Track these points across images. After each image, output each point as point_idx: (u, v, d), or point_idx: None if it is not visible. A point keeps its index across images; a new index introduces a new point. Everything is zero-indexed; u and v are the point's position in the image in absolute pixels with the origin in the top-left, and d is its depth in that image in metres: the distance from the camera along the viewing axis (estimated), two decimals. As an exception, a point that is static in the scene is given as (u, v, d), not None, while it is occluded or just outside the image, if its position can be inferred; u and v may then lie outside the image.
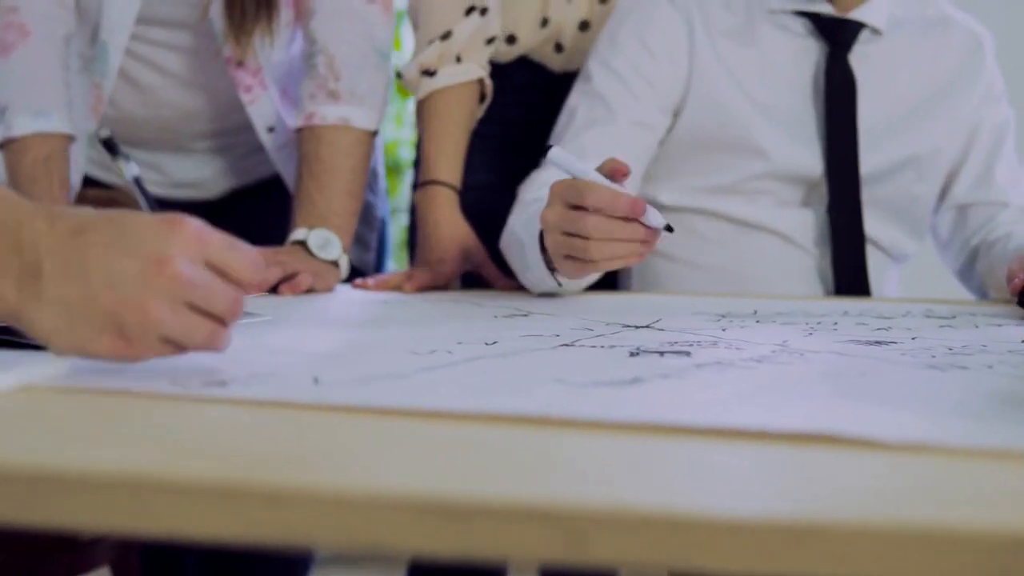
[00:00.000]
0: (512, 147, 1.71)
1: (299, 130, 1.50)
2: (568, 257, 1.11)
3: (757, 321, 1.08)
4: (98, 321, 0.63)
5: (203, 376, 0.67)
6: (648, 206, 1.05)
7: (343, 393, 0.63)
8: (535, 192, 1.42)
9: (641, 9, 1.54)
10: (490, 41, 1.58)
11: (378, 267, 1.82)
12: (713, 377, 0.71)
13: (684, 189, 1.56)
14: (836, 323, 1.08)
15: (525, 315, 1.12)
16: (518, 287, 1.51)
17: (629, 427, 0.54)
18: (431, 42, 1.54)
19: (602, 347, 0.86)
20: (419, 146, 1.77)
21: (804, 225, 1.53)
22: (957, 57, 1.57)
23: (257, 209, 1.72)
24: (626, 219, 1.05)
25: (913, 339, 0.95)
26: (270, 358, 0.77)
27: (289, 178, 1.63)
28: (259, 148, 1.69)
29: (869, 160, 1.51)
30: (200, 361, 0.71)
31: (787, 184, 1.52)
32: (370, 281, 1.49)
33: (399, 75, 1.58)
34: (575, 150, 1.47)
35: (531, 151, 1.65)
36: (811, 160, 1.50)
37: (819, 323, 1.07)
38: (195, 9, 1.48)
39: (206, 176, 1.69)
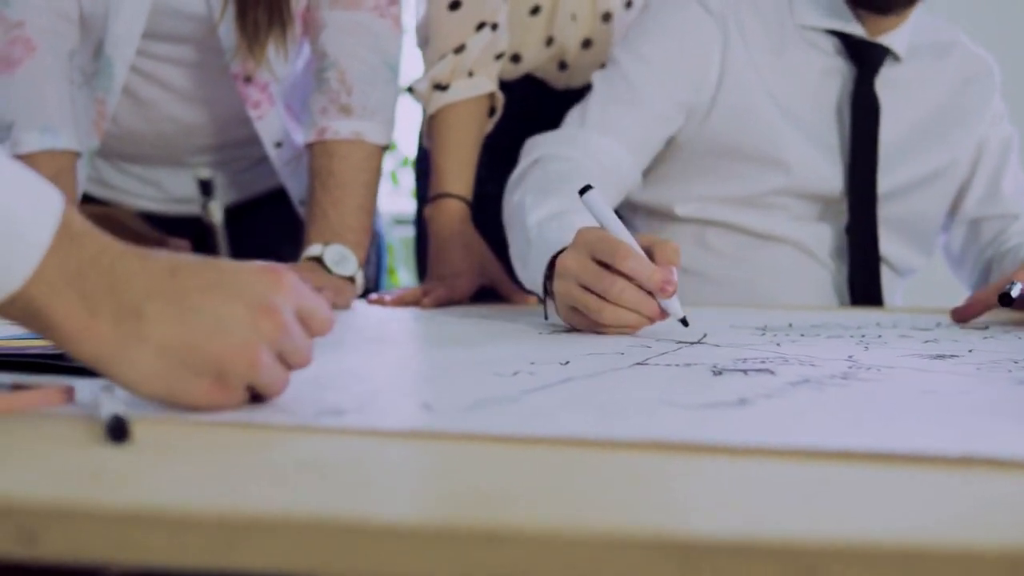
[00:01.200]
0: (505, 158, 1.70)
1: (310, 145, 1.48)
2: (575, 310, 1.06)
3: (801, 335, 1.09)
4: (200, 366, 0.61)
5: (312, 405, 0.66)
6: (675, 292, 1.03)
7: (470, 420, 0.62)
8: (559, 174, 1.37)
9: (676, 9, 1.55)
10: (499, 57, 1.58)
11: (376, 280, 1.81)
12: (815, 396, 0.71)
13: (699, 199, 1.56)
14: (880, 335, 1.08)
15: (568, 331, 1.11)
16: (535, 301, 1.51)
17: (786, 453, 0.54)
18: (443, 56, 1.54)
19: (676, 365, 0.86)
20: (418, 160, 1.77)
21: (820, 239, 1.54)
22: (967, 81, 1.61)
23: (255, 224, 1.71)
24: (649, 292, 1.02)
25: (970, 351, 0.96)
26: (359, 383, 0.76)
27: (295, 193, 1.61)
28: (257, 163, 1.68)
29: (884, 180, 1.53)
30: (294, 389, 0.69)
31: (804, 200, 1.53)
32: (387, 297, 1.47)
33: (410, 90, 1.57)
34: (599, 117, 1.49)
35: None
36: (832, 178, 1.52)
37: (863, 335, 1.08)
38: (202, 24, 1.46)
39: (205, 192, 1.66)
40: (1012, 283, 1.15)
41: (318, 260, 1.42)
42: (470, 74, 1.56)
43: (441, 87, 1.55)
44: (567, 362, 0.87)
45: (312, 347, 0.67)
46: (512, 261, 1.33)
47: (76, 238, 0.61)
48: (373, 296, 1.49)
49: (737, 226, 1.56)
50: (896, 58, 1.57)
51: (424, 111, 1.59)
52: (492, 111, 1.61)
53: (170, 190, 1.64)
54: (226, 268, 0.63)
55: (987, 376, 0.81)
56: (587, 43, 1.70)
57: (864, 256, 1.53)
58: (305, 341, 0.66)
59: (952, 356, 0.92)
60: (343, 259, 1.43)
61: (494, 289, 1.55)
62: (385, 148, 1.52)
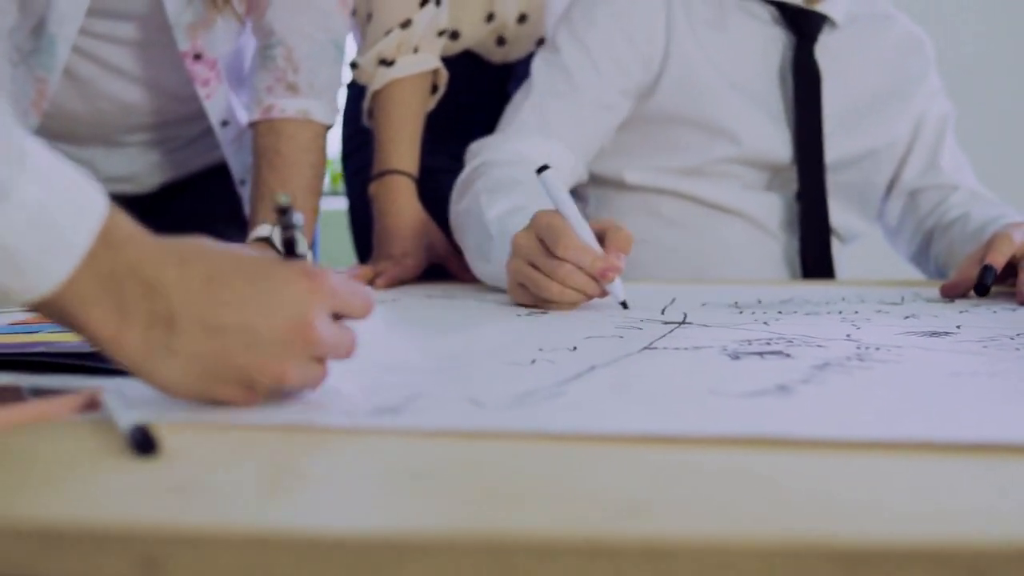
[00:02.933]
0: (452, 132, 1.68)
1: (255, 123, 1.44)
2: (522, 285, 1.10)
3: (779, 312, 1.10)
4: (230, 377, 0.60)
5: (363, 403, 0.64)
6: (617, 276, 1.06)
7: (534, 416, 0.61)
8: (503, 172, 1.38)
9: None
10: (441, 33, 1.56)
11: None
12: (849, 381, 0.72)
13: (650, 169, 1.56)
14: (857, 311, 1.10)
15: (544, 312, 1.10)
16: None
17: (889, 446, 0.54)
18: (388, 32, 1.51)
19: (685, 349, 0.86)
20: (346, 138, 1.74)
21: (770, 209, 1.56)
22: (904, 55, 1.64)
23: (192, 203, 1.66)
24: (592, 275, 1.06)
25: (958, 327, 0.98)
26: (391, 376, 0.74)
27: (237, 172, 1.57)
28: (192, 141, 1.63)
29: (831, 149, 1.55)
30: (331, 387, 0.67)
31: (754, 168, 1.55)
32: (337, 278, 1.44)
33: (354, 65, 1.54)
34: (538, 119, 1.49)
35: (470, 136, 1.63)
36: (780, 146, 1.54)
37: (840, 312, 1.09)
38: (147, 0, 1.41)
39: (138, 170, 1.61)
40: (986, 269, 1.17)
41: (266, 240, 1.39)
42: (415, 50, 1.53)
43: (387, 63, 1.52)
44: (575, 348, 0.86)
45: (354, 338, 0.66)
46: (470, 260, 1.33)
47: (116, 244, 0.59)
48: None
49: (687, 195, 1.56)
50: (834, 25, 1.58)
51: (367, 87, 1.56)
52: (434, 88, 1.58)
53: (104, 169, 1.58)
54: (263, 276, 0.61)
55: (999, 354, 0.82)
56: (523, 18, 1.68)
57: (815, 225, 1.55)
58: (345, 338, 0.65)
59: (947, 333, 0.94)
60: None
61: (442, 266, 1.53)
62: (329, 128, 1.48)
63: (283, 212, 0.63)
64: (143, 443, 0.52)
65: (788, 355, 0.81)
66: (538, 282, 1.07)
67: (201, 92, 1.47)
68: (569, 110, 1.50)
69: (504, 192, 1.29)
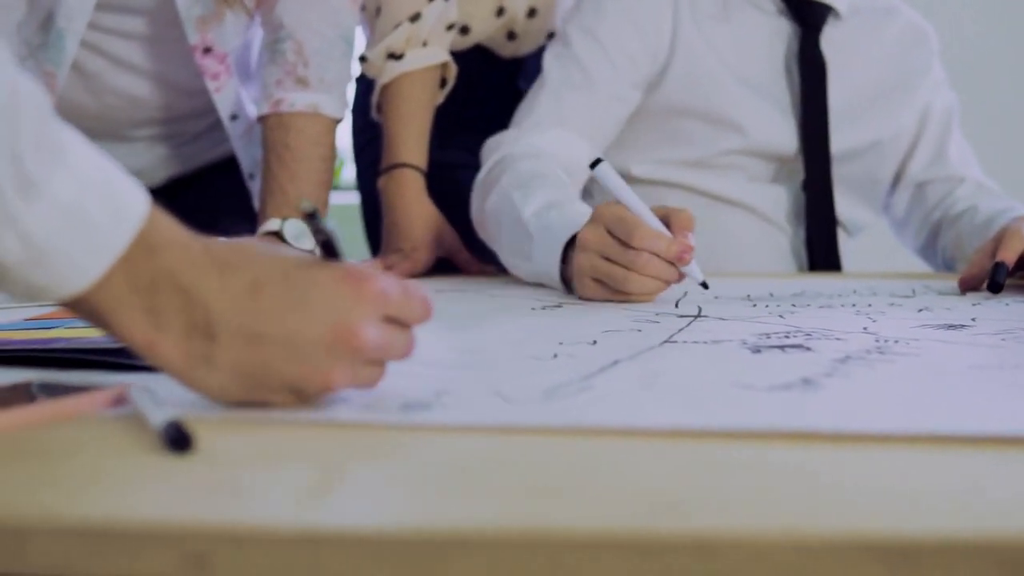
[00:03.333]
0: (462, 127, 1.68)
1: (264, 117, 1.44)
2: (597, 281, 1.10)
3: (793, 305, 1.10)
4: (275, 386, 0.59)
5: (392, 399, 0.64)
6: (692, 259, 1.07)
7: (565, 411, 0.61)
8: (523, 165, 1.38)
9: None
10: (450, 27, 1.56)
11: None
12: (872, 374, 0.72)
13: (656, 161, 1.57)
14: (870, 304, 1.10)
15: (559, 306, 1.11)
16: (492, 272, 1.50)
17: (926, 440, 0.54)
18: (398, 25, 1.51)
19: (705, 343, 0.86)
20: (355, 132, 1.74)
21: (776, 202, 1.56)
22: (908, 47, 1.64)
23: (199, 197, 1.66)
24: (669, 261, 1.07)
25: (973, 320, 0.98)
26: (414, 372, 0.74)
27: (246, 165, 1.57)
28: (200, 135, 1.63)
29: (837, 140, 1.55)
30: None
31: (760, 160, 1.55)
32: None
33: (363, 59, 1.54)
34: (555, 111, 1.49)
35: (480, 130, 1.63)
36: (786, 137, 1.54)
37: (855, 304, 1.09)
38: (158, -7, 1.40)
39: (145, 165, 1.61)
40: (998, 266, 1.17)
41: (277, 235, 1.39)
42: (424, 44, 1.53)
43: (395, 56, 1.52)
44: (594, 342, 0.86)
45: (411, 338, 0.64)
46: (505, 259, 1.33)
47: (154, 249, 0.57)
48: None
49: (694, 188, 1.57)
50: (837, 16, 1.58)
51: (376, 81, 1.56)
52: (443, 82, 1.58)
53: (110, 164, 1.58)
54: (308, 283, 0.60)
55: (1018, 347, 0.83)
56: (532, 12, 1.68)
57: (821, 216, 1.55)
58: (399, 342, 0.63)
59: (962, 326, 0.94)
60: (302, 234, 1.39)
61: (450, 259, 1.54)
62: (339, 122, 1.48)
63: (311, 217, 0.62)
64: (178, 440, 0.52)
65: (808, 348, 0.82)
66: (615, 275, 1.07)
67: (211, 86, 1.47)
68: (585, 102, 1.50)
69: (534, 188, 1.29)
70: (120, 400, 0.62)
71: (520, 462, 0.51)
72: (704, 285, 1.10)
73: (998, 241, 1.22)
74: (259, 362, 0.58)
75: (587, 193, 1.62)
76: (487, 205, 1.37)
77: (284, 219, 1.39)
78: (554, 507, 0.45)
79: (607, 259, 1.08)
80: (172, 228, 0.59)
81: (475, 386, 0.68)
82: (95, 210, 0.55)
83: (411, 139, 1.52)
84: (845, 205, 1.59)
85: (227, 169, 1.63)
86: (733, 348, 0.83)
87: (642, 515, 0.44)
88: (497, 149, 1.46)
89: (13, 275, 0.55)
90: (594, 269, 1.09)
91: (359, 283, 0.61)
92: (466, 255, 1.52)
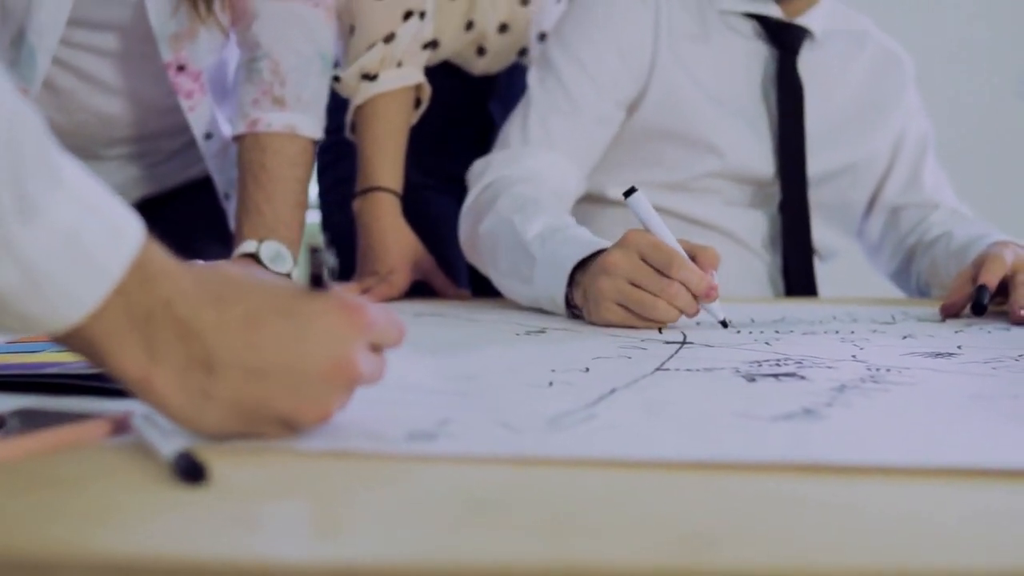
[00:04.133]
0: (433, 148, 1.67)
1: (240, 137, 1.43)
2: (620, 305, 1.11)
3: (776, 332, 1.10)
4: (270, 419, 0.58)
5: (394, 428, 0.63)
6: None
7: (575, 442, 0.60)
8: (513, 189, 1.38)
9: (610, 1, 1.54)
10: (426, 46, 1.55)
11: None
12: (870, 404, 0.72)
13: (635, 184, 1.56)
14: (852, 331, 1.10)
15: (542, 331, 1.11)
16: (468, 296, 1.49)
17: (942, 472, 0.54)
18: (371, 46, 1.50)
19: (698, 370, 0.86)
20: (321, 151, 1.73)
21: (753, 227, 1.57)
22: (882, 71, 1.65)
23: (174, 217, 1.64)
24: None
25: (959, 348, 0.98)
26: (411, 399, 0.73)
27: (221, 185, 1.55)
28: (174, 155, 1.62)
29: (813, 164, 1.56)
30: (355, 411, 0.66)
31: (737, 183, 1.55)
32: (324, 294, 1.43)
33: (336, 79, 1.53)
34: (543, 134, 1.49)
35: (451, 151, 1.63)
36: (763, 160, 1.55)
37: (837, 331, 1.10)
38: (130, 10, 1.39)
39: (117, 184, 1.59)
40: (981, 289, 1.18)
41: (253, 256, 1.38)
42: (399, 64, 1.52)
43: (370, 77, 1.51)
44: (587, 369, 0.86)
45: (385, 363, 0.64)
46: (500, 282, 1.33)
47: (151, 278, 0.56)
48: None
49: (670, 211, 1.57)
50: (813, 39, 1.60)
51: (348, 100, 1.55)
52: (418, 103, 1.58)
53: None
54: (304, 315, 0.59)
55: (1010, 376, 0.83)
56: (503, 27, 1.68)
57: (797, 241, 1.56)
58: (379, 368, 0.63)
59: (950, 354, 0.95)
60: (278, 256, 1.38)
61: (426, 282, 1.53)
62: (317, 142, 1.47)
63: (315, 251, 0.61)
64: (190, 471, 0.51)
65: (803, 377, 0.82)
66: (644, 302, 1.08)
67: (184, 104, 1.45)
68: (571, 127, 1.51)
69: (534, 211, 1.29)
70: (122, 428, 0.61)
71: (538, 494, 0.51)
72: (724, 324, 1.11)
73: (980, 266, 1.23)
74: (257, 396, 0.57)
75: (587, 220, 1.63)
76: (481, 228, 1.37)
77: (260, 240, 1.38)
78: (578, 540, 0.44)
79: (635, 285, 1.09)
80: (164, 257, 0.57)
81: (477, 414, 0.68)
82: (92, 236, 0.54)
83: (387, 162, 1.52)
84: (820, 229, 1.60)
85: (201, 189, 1.62)
86: (727, 376, 0.83)
87: (672, 549, 0.43)
88: (486, 172, 1.46)
89: (9, 306, 0.53)
90: (620, 293, 1.10)
91: (352, 313, 0.60)
92: (443, 278, 1.52)
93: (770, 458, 0.56)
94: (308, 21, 1.44)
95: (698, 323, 1.15)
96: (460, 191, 1.71)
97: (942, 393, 0.76)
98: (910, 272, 1.62)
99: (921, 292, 1.59)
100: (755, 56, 1.59)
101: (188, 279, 0.58)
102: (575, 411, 0.69)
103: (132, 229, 0.56)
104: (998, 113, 3.06)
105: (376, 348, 0.63)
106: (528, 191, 1.36)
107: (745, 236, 1.58)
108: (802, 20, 1.59)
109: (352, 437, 0.61)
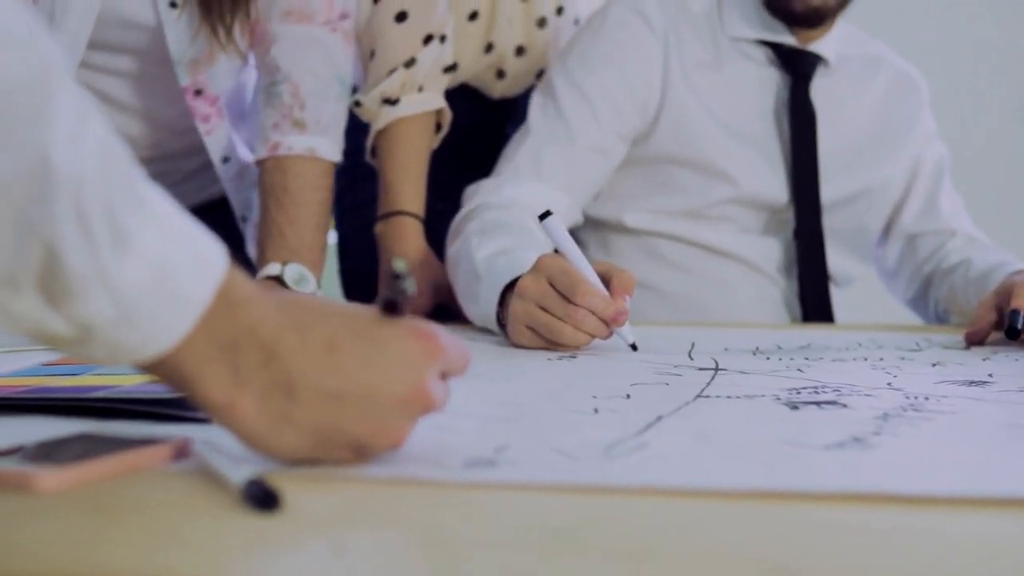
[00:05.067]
0: (445, 171, 1.68)
1: (262, 161, 1.43)
2: (530, 328, 1.12)
3: (806, 359, 1.10)
4: (344, 444, 0.59)
5: (452, 455, 0.63)
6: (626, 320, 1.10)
7: (635, 470, 0.61)
8: (495, 214, 1.41)
9: (618, 29, 1.55)
10: (447, 70, 1.56)
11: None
12: (917, 433, 0.72)
13: (649, 211, 1.57)
14: (881, 358, 1.11)
15: (573, 356, 1.11)
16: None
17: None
18: (392, 71, 1.51)
19: (738, 397, 0.86)
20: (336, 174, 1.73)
21: (768, 253, 1.57)
22: (897, 95, 1.66)
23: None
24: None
25: (990, 376, 0.99)
26: (462, 426, 0.73)
27: (239, 207, 1.56)
28: (191, 175, 1.62)
29: (827, 190, 1.57)
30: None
31: (751, 210, 1.56)
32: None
33: (357, 103, 1.53)
34: (533, 164, 1.50)
35: (464, 176, 1.64)
36: (776, 187, 1.55)
37: (866, 359, 1.10)
38: (148, 34, 1.39)
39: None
40: (1015, 313, 1.18)
41: (277, 279, 1.38)
42: (420, 89, 1.53)
43: (391, 102, 1.51)
44: (628, 396, 0.86)
45: (449, 391, 0.64)
46: (460, 301, 1.34)
47: (234, 304, 0.56)
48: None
49: (686, 239, 1.58)
50: (827, 65, 1.60)
51: (369, 124, 1.55)
52: (438, 127, 1.58)
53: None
54: (381, 341, 0.59)
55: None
56: (520, 50, 1.68)
57: (813, 266, 1.57)
58: (447, 395, 0.63)
59: (984, 383, 0.95)
60: (302, 279, 1.39)
61: (447, 307, 1.53)
62: (336, 165, 1.48)
63: (397, 278, 0.61)
64: (263, 498, 0.52)
65: (844, 405, 0.82)
66: (552, 327, 1.10)
67: (201, 128, 1.46)
68: (565, 155, 1.52)
69: (493, 234, 1.32)
70: (182, 453, 0.61)
71: (611, 523, 0.51)
72: (633, 347, 1.12)
73: (1004, 294, 1.24)
74: (334, 420, 0.58)
75: (580, 242, 1.63)
76: (451, 250, 1.40)
77: (284, 263, 1.38)
78: (664, 572, 0.44)
79: (543, 309, 1.10)
80: (247, 283, 0.58)
81: (530, 441, 0.68)
82: (181, 265, 0.54)
83: (408, 186, 1.52)
84: (834, 256, 1.61)
85: (218, 210, 1.62)
86: (768, 404, 0.83)
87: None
88: (473, 197, 1.49)
89: (100, 337, 0.53)
90: (529, 316, 1.11)
91: (427, 340, 0.61)
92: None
93: (835, 488, 0.56)
94: (326, 45, 1.44)
95: (726, 349, 1.15)
96: (477, 215, 1.73)
97: (985, 422, 0.77)
98: (928, 299, 1.62)
99: (939, 319, 1.59)
100: (768, 83, 1.60)
101: (270, 305, 0.58)
102: (627, 439, 0.69)
103: (216, 257, 0.56)
104: (1004, 137, 3.07)
105: (444, 376, 0.63)
106: (500, 216, 1.39)
107: (760, 263, 1.58)
108: (815, 47, 1.60)
109: (411, 464, 0.61)
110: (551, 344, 1.11)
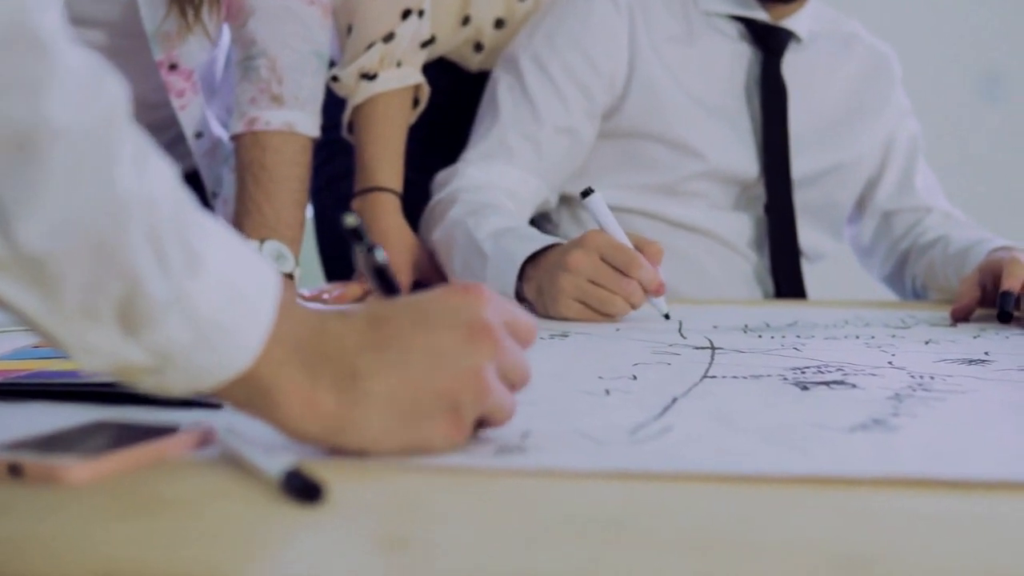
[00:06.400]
0: (423, 146, 1.66)
1: (238, 136, 1.41)
2: (579, 301, 1.18)
3: (797, 336, 1.10)
4: (432, 405, 0.57)
5: (479, 442, 0.62)
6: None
7: (673, 454, 0.60)
8: (476, 196, 1.43)
9: (583, 8, 1.54)
10: (425, 44, 1.54)
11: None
12: (934, 414, 0.72)
13: (619, 187, 1.57)
14: (873, 336, 1.11)
15: (565, 335, 1.10)
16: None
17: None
18: (370, 46, 1.48)
19: (744, 378, 0.86)
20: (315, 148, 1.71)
21: (739, 229, 1.58)
22: (870, 73, 1.66)
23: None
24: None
25: (986, 354, 0.99)
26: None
27: (210, 183, 1.53)
28: (161, 151, 1.58)
29: (797, 165, 1.57)
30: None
31: (721, 185, 1.56)
32: (325, 295, 1.42)
33: (335, 79, 1.51)
34: (501, 147, 1.51)
35: (442, 150, 1.62)
36: (747, 162, 1.55)
37: (858, 336, 1.10)
38: (121, 7, 1.36)
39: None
40: (1006, 296, 1.19)
41: (253, 257, 1.35)
42: (398, 64, 1.51)
43: (369, 76, 1.49)
44: (634, 376, 0.85)
45: (528, 364, 0.63)
46: (456, 279, 1.36)
47: (289, 310, 0.57)
48: (306, 292, 1.43)
49: (657, 215, 1.57)
50: (799, 41, 1.60)
51: (345, 100, 1.53)
52: (416, 102, 1.56)
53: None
54: (422, 301, 0.60)
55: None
56: (500, 23, 1.66)
57: (784, 242, 1.57)
58: (522, 355, 0.62)
59: (983, 361, 0.95)
60: (281, 256, 1.36)
61: (426, 284, 1.52)
62: (314, 140, 1.45)
63: (354, 231, 0.61)
64: (305, 490, 0.50)
65: (854, 385, 0.82)
66: (604, 299, 1.17)
67: (176, 103, 1.43)
68: (533, 138, 1.52)
69: (486, 214, 1.35)
70: (205, 441, 0.60)
71: (664, 511, 0.50)
72: (667, 316, 1.17)
73: (988, 272, 1.25)
74: (409, 385, 0.57)
75: (550, 220, 1.63)
76: (436, 234, 1.42)
77: (262, 240, 1.36)
78: (732, 561, 0.44)
79: (594, 283, 1.16)
80: (287, 292, 0.58)
81: (552, 425, 0.67)
82: (245, 279, 0.55)
83: (386, 162, 1.50)
84: (806, 232, 1.60)
85: (188, 186, 1.58)
86: (777, 384, 0.83)
87: (829, 571, 0.43)
88: (446, 183, 1.49)
89: (178, 363, 0.53)
90: (580, 290, 1.17)
91: (473, 289, 0.60)
92: (441, 280, 1.50)
93: (881, 473, 0.56)
94: (304, 19, 1.41)
95: (715, 327, 1.15)
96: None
97: (1000, 403, 0.77)
98: (904, 275, 1.63)
99: (917, 295, 1.60)
100: (739, 58, 1.59)
101: (310, 308, 0.59)
102: (649, 422, 0.68)
103: (267, 266, 0.57)
104: (963, 115, 3.10)
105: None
106: (482, 197, 1.43)
107: (732, 238, 1.58)
108: (788, 23, 1.59)
109: (443, 452, 0.60)
110: (598, 316, 1.18)
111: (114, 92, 0.53)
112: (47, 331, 0.52)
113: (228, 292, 0.54)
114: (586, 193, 1.18)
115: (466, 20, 1.62)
